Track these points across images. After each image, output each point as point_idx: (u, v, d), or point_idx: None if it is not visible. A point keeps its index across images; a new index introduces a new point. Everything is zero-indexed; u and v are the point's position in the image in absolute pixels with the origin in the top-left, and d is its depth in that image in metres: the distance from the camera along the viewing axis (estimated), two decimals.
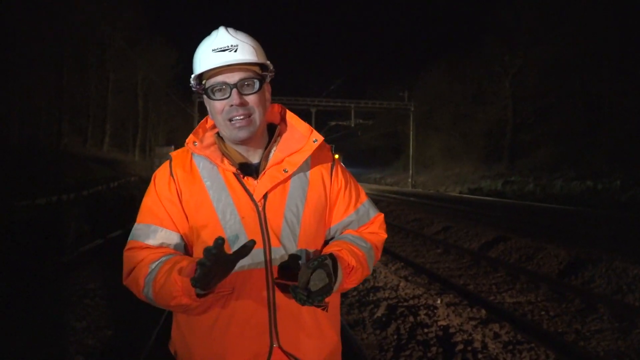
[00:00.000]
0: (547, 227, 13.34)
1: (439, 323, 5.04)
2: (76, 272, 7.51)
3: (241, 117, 1.42)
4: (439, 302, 5.99)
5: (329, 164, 1.62)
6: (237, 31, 1.49)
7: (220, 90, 1.43)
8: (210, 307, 1.43)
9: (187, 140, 1.53)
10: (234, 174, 1.48)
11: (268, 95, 1.55)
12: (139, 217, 1.52)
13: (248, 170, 1.50)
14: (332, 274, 1.37)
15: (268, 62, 1.51)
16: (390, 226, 13.98)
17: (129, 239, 1.52)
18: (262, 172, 1.48)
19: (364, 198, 1.71)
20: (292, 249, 1.48)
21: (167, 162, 1.56)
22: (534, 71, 37.52)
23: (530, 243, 9.61)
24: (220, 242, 1.14)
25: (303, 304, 1.32)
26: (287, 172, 1.49)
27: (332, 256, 1.43)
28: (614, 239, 10.91)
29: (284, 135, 1.56)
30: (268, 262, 1.43)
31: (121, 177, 29.65)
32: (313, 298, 1.30)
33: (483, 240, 10.78)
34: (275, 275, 1.44)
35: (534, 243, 9.58)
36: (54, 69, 35.11)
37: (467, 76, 46.51)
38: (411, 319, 5.24)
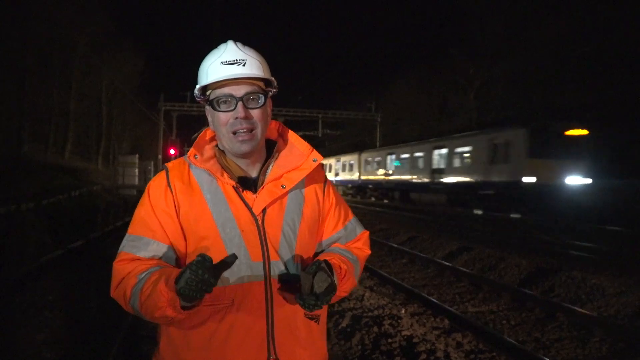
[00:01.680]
0: (509, 236, 13.59)
1: (403, 333, 5.08)
2: (35, 283, 7.30)
3: (244, 130, 1.46)
4: (403, 312, 6.03)
5: (322, 183, 1.69)
6: (245, 46, 1.54)
7: (225, 102, 1.47)
8: (208, 320, 1.43)
9: (189, 153, 1.54)
10: (233, 187, 1.50)
11: (269, 111, 1.59)
12: (131, 228, 1.50)
13: (247, 184, 1.53)
14: (331, 275, 1.44)
15: (273, 79, 1.57)
16: None
17: (119, 250, 1.49)
18: (261, 187, 1.52)
19: (351, 216, 1.80)
20: (290, 263, 1.51)
21: (163, 173, 1.55)
22: (498, 84, 38.44)
23: (492, 253, 9.78)
24: (207, 259, 1.21)
25: (312, 310, 1.37)
26: (284, 188, 1.53)
27: (326, 262, 1.49)
28: (573, 249, 11.19)
29: (283, 152, 1.61)
30: (267, 275, 1.46)
31: (83, 186, 28.96)
32: (322, 300, 1.35)
33: (447, 250, 10.93)
34: (274, 288, 1.46)
35: (496, 253, 9.75)
36: (15, 73, 34.24)
37: (433, 88, 47.33)
38: (375, 329, 5.26)
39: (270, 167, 1.57)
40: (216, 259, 1.28)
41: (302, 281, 1.37)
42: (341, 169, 44.12)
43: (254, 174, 1.57)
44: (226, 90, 1.46)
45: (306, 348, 1.54)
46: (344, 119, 48.35)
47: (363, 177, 38.92)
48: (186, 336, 1.45)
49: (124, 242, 1.50)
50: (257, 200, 1.49)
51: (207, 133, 1.62)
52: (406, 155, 31.80)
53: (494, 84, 39.12)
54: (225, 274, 1.36)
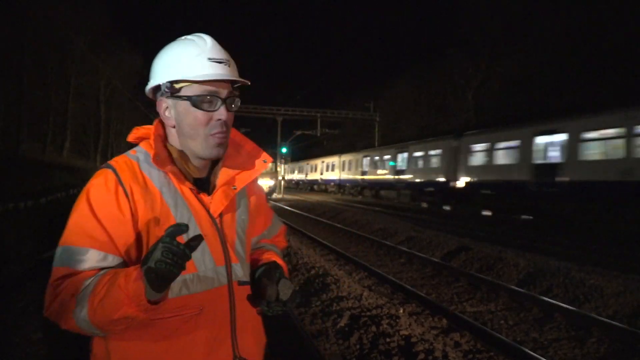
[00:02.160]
0: (507, 236, 13.61)
1: (401, 332, 5.08)
2: (33, 282, 7.29)
3: (223, 134, 1.42)
4: (401, 311, 6.04)
5: (256, 180, 1.68)
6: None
7: (209, 102, 1.39)
8: (176, 331, 1.34)
9: (153, 155, 1.39)
10: (190, 189, 1.43)
11: None
12: (68, 239, 1.31)
13: (201, 185, 1.48)
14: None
15: (248, 82, 1.50)
16: (354, 236, 14.04)
17: (54, 265, 1.31)
18: (216, 189, 1.48)
19: (272, 211, 1.87)
20: (245, 263, 1.53)
21: (109, 174, 1.37)
22: (496, 84, 38.50)
23: (491, 253, 9.79)
24: (184, 228, 1.13)
25: (276, 314, 1.42)
26: (235, 189, 1.51)
27: (275, 263, 1.55)
28: (573, 249, 11.22)
29: (229, 151, 1.54)
30: (230, 279, 1.45)
31: (82, 184, 28.88)
32: (289, 307, 1.41)
33: (445, 250, 10.93)
34: (236, 289, 1.46)
35: (494, 253, 9.76)
36: (13, 72, 34.18)
37: (432, 88, 47.41)
38: (374, 328, 5.26)
39: (220, 168, 1.52)
40: None
41: (268, 289, 1.42)
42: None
43: (204, 173, 1.51)
44: (212, 89, 1.39)
45: (257, 340, 1.59)
46: (343, 118, 48.32)
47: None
48: (151, 351, 1.33)
49: (60, 255, 1.31)
50: (214, 202, 1.45)
51: (159, 129, 1.50)
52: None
53: (492, 84, 39.18)
54: (194, 283, 1.35)
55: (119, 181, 1.35)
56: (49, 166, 30.97)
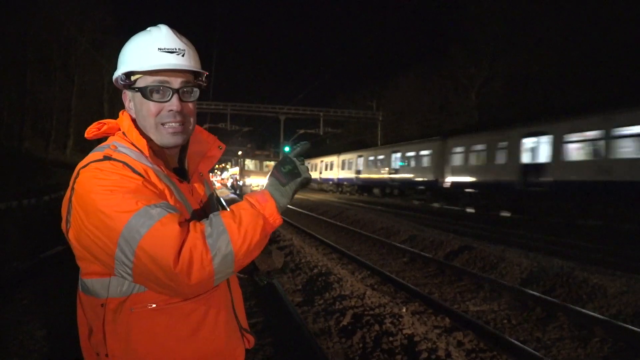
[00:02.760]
0: (510, 235, 13.59)
1: (404, 332, 5.07)
2: (37, 279, 7.31)
3: (178, 123, 1.41)
4: (404, 310, 6.03)
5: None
6: (181, 35, 1.45)
7: (159, 92, 1.39)
8: (194, 312, 1.36)
9: (140, 146, 1.39)
10: (175, 178, 1.45)
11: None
12: (142, 201, 1.21)
13: (181, 174, 1.51)
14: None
15: (206, 72, 1.51)
16: (357, 235, 14.03)
17: (143, 232, 1.17)
18: (191, 177, 1.54)
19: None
20: None
21: (113, 163, 1.29)
22: (499, 83, 38.43)
23: (493, 252, 9.78)
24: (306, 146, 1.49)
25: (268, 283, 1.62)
26: (202, 175, 1.61)
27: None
28: (576, 249, 11.20)
29: (192, 139, 1.57)
30: None
31: None
32: (274, 277, 1.62)
33: (448, 249, 10.92)
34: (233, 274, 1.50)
35: (497, 252, 9.74)
36: (16, 70, 34.25)
37: (434, 87, 47.35)
38: (377, 327, 5.25)
39: (187, 156, 1.57)
40: None
41: (258, 263, 1.59)
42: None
43: (176, 163, 1.54)
44: (161, 79, 1.38)
45: (244, 308, 1.66)
46: (346, 117, 48.28)
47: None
48: (172, 327, 1.33)
49: (144, 215, 1.19)
50: (194, 189, 1.52)
51: (131, 120, 1.46)
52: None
53: (495, 82, 39.11)
54: None
55: (129, 166, 1.30)
56: (52, 164, 31.00)
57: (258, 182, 33.46)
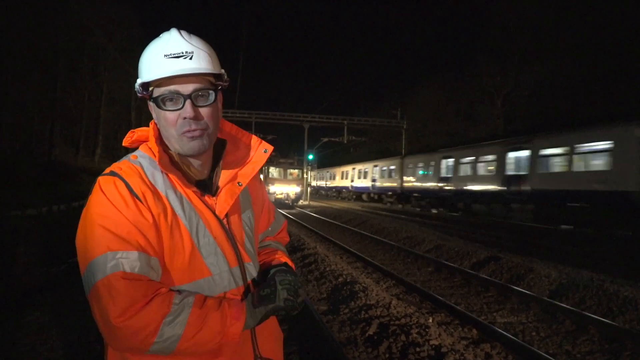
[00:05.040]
0: (538, 246, 13.39)
1: (431, 342, 5.04)
2: (66, 284, 7.45)
3: (195, 130, 1.33)
4: (430, 321, 5.99)
5: (258, 174, 1.60)
6: (192, 35, 1.39)
7: (172, 100, 1.32)
8: None
9: (157, 159, 1.34)
10: (194, 192, 1.39)
11: (220, 106, 1.47)
12: (105, 244, 1.21)
13: (204, 187, 1.44)
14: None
15: (223, 71, 1.43)
16: (381, 244, 13.98)
17: (102, 274, 1.19)
18: (220, 189, 1.45)
19: (274, 206, 1.83)
20: (256, 261, 1.52)
21: (116, 182, 1.29)
22: (526, 91, 37.99)
23: (521, 263, 9.65)
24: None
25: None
26: (241, 185, 1.48)
27: (288, 266, 1.58)
28: (604, 260, 10.99)
29: (228, 147, 1.52)
30: (244, 279, 1.44)
31: None
32: (299, 309, 1.44)
33: (474, 259, 10.81)
34: (252, 289, 1.44)
35: (524, 263, 9.61)
36: (47, 79, 35.06)
37: (459, 95, 47.04)
38: (403, 337, 5.23)
39: (221, 165, 1.48)
40: (195, 269, 1.32)
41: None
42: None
43: (205, 174, 1.46)
44: (172, 87, 1.32)
45: (273, 335, 1.56)
46: (370, 125, 48.17)
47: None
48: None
49: (102, 264, 1.20)
50: (219, 203, 1.41)
51: (156, 131, 1.43)
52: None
53: (521, 90, 38.67)
54: (210, 286, 1.35)
55: (129, 188, 1.28)
56: (81, 171, 31.58)
57: (282, 189, 33.56)
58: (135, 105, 50.39)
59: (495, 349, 5.26)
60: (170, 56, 1.31)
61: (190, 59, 1.32)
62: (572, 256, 11.64)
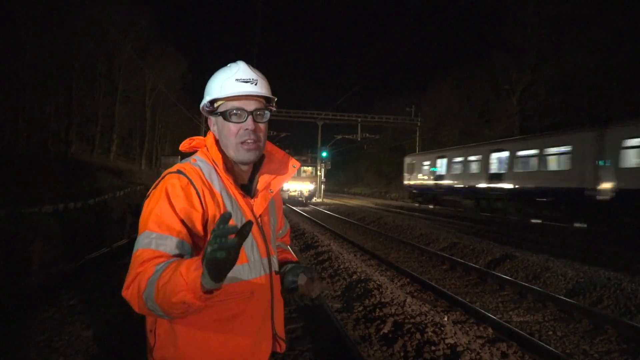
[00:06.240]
0: (554, 245, 13.25)
1: (447, 341, 4.99)
2: (82, 281, 7.51)
3: (252, 141, 1.65)
4: (445, 319, 5.94)
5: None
6: (254, 68, 1.72)
7: (237, 114, 1.65)
8: (233, 311, 1.59)
9: (221, 164, 1.65)
10: (240, 193, 1.67)
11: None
12: (150, 226, 1.50)
13: (246, 190, 1.73)
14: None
15: (275, 98, 1.77)
16: (396, 241, 13.93)
17: (135, 248, 1.49)
18: (257, 193, 1.74)
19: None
20: (276, 256, 1.83)
21: (181, 178, 1.58)
22: (542, 88, 37.54)
23: (537, 261, 9.55)
24: (227, 216, 1.18)
25: (304, 306, 1.78)
26: (272, 192, 1.78)
27: (300, 264, 1.89)
28: (622, 259, 10.84)
29: (265, 160, 1.83)
30: (270, 268, 1.72)
31: (127, 186, 29.69)
32: (316, 303, 1.80)
33: (489, 257, 10.72)
34: (274, 278, 1.75)
35: (540, 262, 9.51)
36: (63, 77, 35.37)
37: (474, 92, 46.64)
38: (418, 336, 5.19)
39: (259, 174, 1.78)
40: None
41: (304, 287, 1.75)
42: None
43: (245, 180, 1.77)
44: (238, 104, 1.65)
45: (282, 319, 1.85)
46: (384, 122, 47.95)
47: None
48: (214, 328, 1.56)
49: (141, 240, 1.49)
50: (256, 204, 1.71)
51: (214, 139, 1.74)
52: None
53: (538, 88, 38.21)
54: (246, 271, 1.61)
55: (192, 184, 1.58)
56: (96, 168, 31.84)
57: (295, 187, 33.62)
58: (150, 103, 50.70)
59: (512, 348, 5.21)
60: (241, 80, 1.66)
61: (256, 84, 1.67)
62: (588, 254, 11.50)
